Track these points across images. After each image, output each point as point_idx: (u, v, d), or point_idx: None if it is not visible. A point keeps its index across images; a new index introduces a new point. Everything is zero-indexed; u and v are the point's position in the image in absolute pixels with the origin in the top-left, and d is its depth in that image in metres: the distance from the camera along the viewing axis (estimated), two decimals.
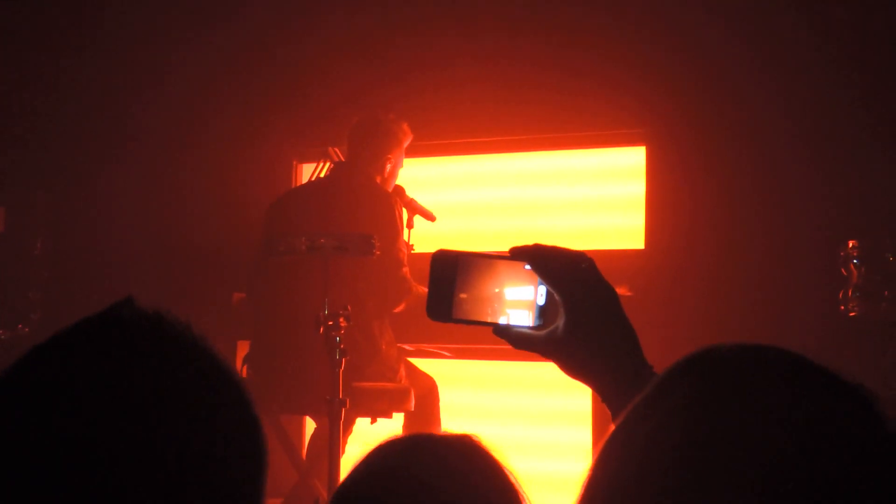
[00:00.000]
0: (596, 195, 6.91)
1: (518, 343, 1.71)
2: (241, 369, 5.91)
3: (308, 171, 6.90)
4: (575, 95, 6.80)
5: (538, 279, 1.70)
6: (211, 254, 7.43)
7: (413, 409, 5.74)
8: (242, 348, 6.13)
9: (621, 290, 5.48)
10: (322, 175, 6.33)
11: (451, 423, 6.08)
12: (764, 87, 6.46)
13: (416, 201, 6.18)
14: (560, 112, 6.86)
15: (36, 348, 1.27)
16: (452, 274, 1.72)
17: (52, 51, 7.77)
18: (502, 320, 1.72)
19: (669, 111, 6.64)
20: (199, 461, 1.21)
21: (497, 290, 1.72)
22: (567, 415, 6.36)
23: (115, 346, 1.25)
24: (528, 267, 1.70)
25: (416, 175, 6.75)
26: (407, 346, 6.04)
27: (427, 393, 5.96)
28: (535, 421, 6.64)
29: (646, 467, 1.08)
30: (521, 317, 1.72)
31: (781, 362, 1.15)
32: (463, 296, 1.72)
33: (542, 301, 1.71)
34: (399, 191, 6.14)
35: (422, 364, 6.17)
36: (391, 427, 5.79)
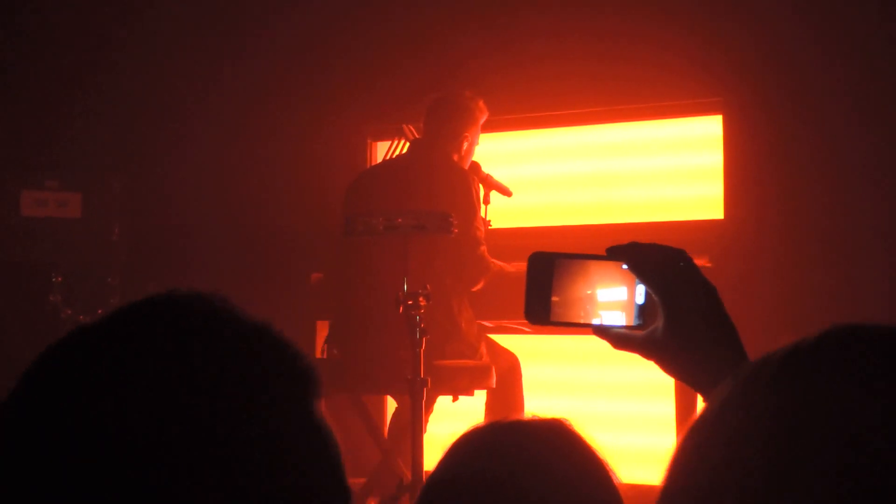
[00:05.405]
0: (673, 165, 6.86)
1: (618, 343, 1.68)
2: (322, 350, 5.93)
3: (382, 150, 6.90)
4: (650, 66, 6.74)
5: (636, 278, 1.66)
6: (287, 234, 7.45)
7: (495, 386, 5.72)
8: (322, 329, 6.15)
9: (701, 261, 5.44)
10: (399, 153, 6.32)
11: (534, 398, 6.07)
12: (844, 53, 6.37)
13: (492, 177, 6.15)
14: (635, 83, 6.80)
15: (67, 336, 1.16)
16: (549, 275, 1.68)
17: (122, 34, 7.81)
18: (598, 321, 1.68)
19: (745, 79, 6.57)
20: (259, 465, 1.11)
21: (595, 291, 1.68)
22: (649, 388, 6.32)
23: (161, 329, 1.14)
24: (625, 266, 1.66)
25: (492, 150, 6.72)
26: (487, 323, 6.02)
27: (509, 369, 5.93)
28: (618, 394, 6.62)
29: (732, 459, 1.02)
30: (618, 317, 1.68)
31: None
32: (560, 298, 1.68)
33: (641, 300, 1.67)
34: (475, 167, 6.11)
35: (504, 340, 6.14)
36: (473, 404, 5.78)
